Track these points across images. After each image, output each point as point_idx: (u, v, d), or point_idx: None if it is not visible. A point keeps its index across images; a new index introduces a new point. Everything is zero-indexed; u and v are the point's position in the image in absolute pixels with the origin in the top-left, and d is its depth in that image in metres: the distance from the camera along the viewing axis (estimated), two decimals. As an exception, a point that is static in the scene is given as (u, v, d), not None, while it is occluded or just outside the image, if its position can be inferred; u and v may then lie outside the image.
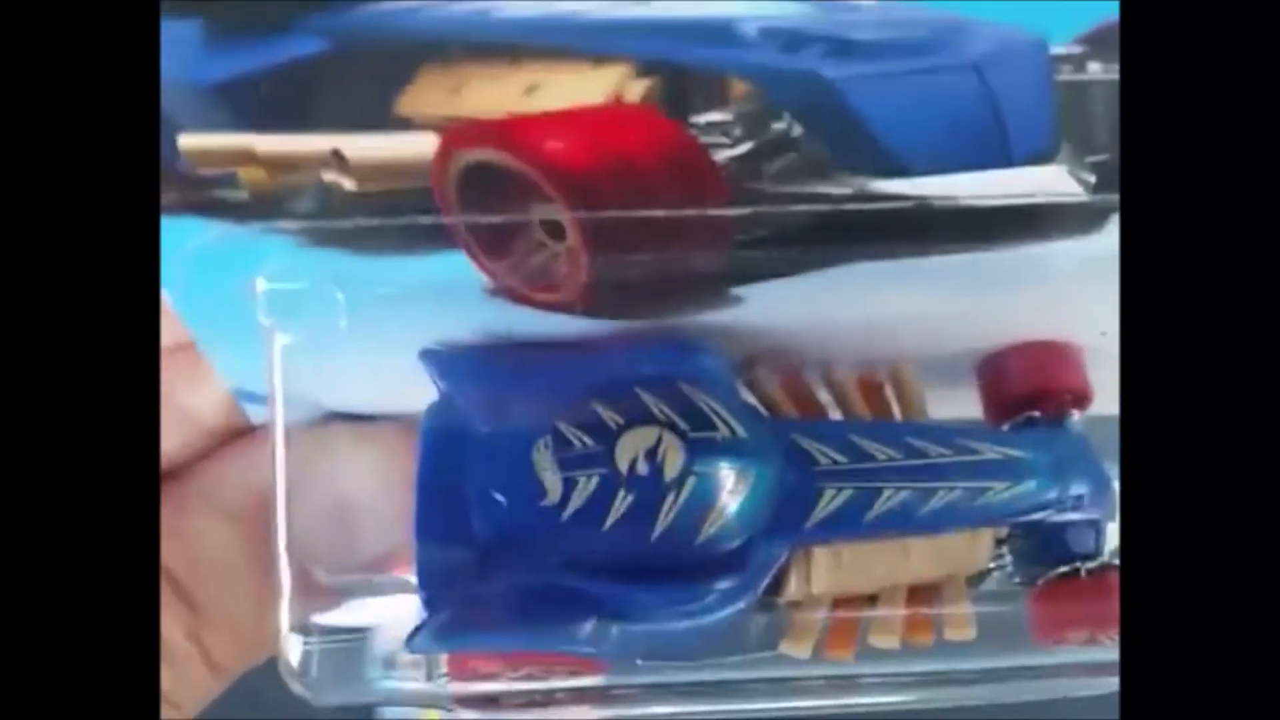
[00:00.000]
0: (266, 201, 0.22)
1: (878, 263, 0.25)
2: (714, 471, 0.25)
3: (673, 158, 0.21)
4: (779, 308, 0.26)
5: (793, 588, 0.26)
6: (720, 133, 0.21)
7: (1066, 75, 0.20)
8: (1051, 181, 0.22)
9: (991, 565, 0.27)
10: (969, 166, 0.21)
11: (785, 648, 0.26)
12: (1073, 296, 0.28)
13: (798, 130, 0.21)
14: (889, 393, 0.29)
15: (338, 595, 0.26)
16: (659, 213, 0.22)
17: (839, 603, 0.26)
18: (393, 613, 0.25)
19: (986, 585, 0.27)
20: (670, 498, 0.24)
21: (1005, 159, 0.22)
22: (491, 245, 0.23)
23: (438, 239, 0.23)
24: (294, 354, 0.24)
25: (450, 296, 0.25)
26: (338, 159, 0.21)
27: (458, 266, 0.24)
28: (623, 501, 0.24)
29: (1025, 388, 0.29)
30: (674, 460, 0.25)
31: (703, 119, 0.20)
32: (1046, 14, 0.19)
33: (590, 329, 0.26)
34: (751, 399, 0.28)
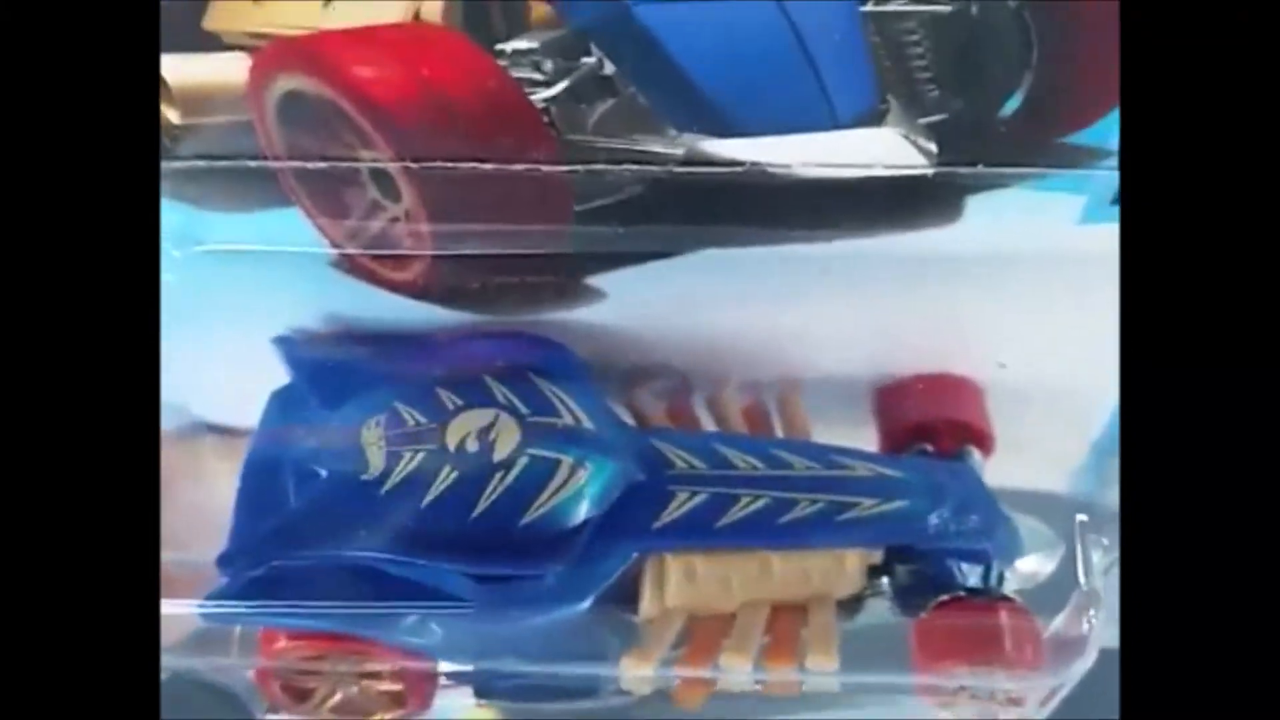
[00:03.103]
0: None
1: (729, 249, 0.24)
2: (548, 455, 0.23)
3: (490, 97, 0.21)
4: (640, 305, 0.26)
5: (646, 602, 0.24)
6: (531, 65, 0.21)
7: (872, 5, 0.20)
8: (887, 148, 0.22)
9: (868, 592, 0.25)
10: (790, 115, 0.21)
11: (627, 665, 0.24)
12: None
13: (609, 68, 0.21)
14: (775, 421, 0.28)
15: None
16: (489, 165, 0.22)
17: (695, 622, 0.24)
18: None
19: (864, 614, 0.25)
20: (498, 476, 0.23)
21: (830, 114, 0.21)
22: (325, 199, 0.23)
23: (272, 193, 0.23)
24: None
25: (294, 269, 0.24)
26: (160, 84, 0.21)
27: (298, 231, 0.24)
28: (446, 477, 0.23)
29: (918, 418, 0.27)
30: (507, 441, 0.24)
31: (509, 46, 0.20)
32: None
33: (449, 321, 0.26)
34: (630, 419, 0.27)
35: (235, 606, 0.22)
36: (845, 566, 0.25)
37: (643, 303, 0.26)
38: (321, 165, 0.22)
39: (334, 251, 0.24)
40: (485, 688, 0.25)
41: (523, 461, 0.23)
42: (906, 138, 0.22)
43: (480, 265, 0.24)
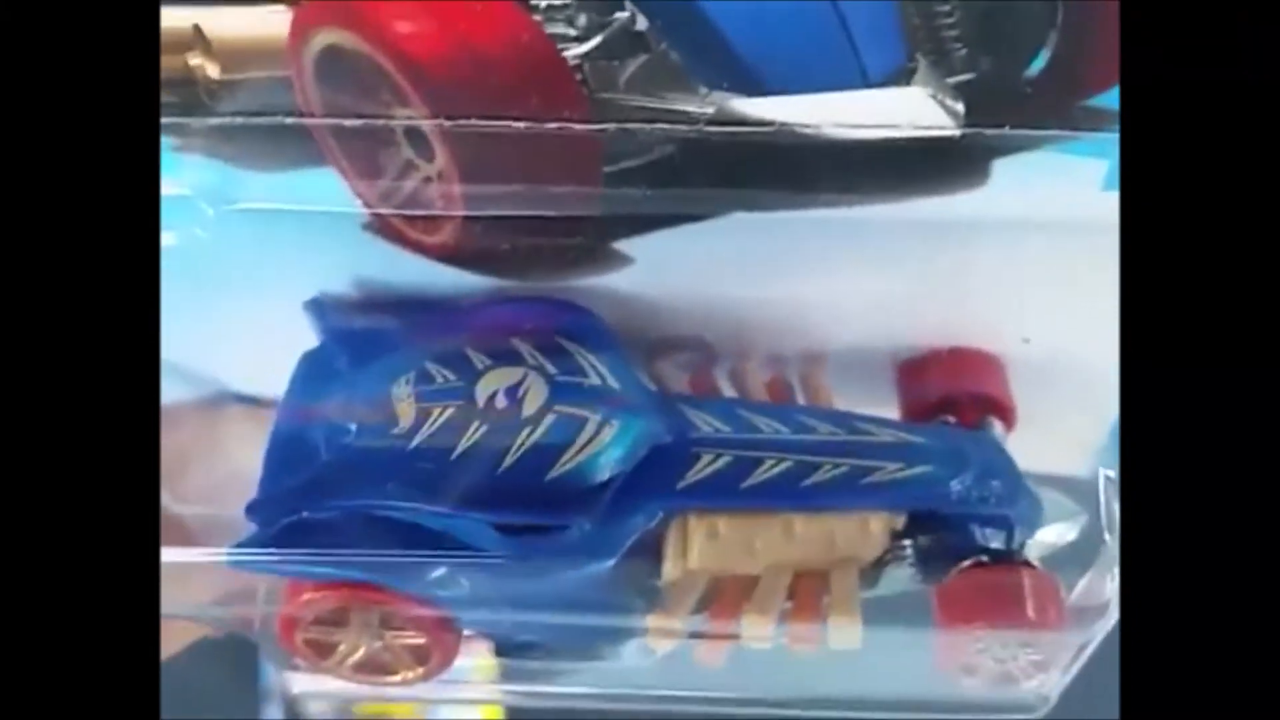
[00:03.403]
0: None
1: (757, 213, 0.24)
2: (575, 412, 0.24)
3: (523, 52, 0.21)
4: (668, 271, 0.26)
5: (669, 564, 0.24)
6: (565, 20, 0.21)
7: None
8: (915, 108, 0.22)
9: (890, 556, 0.25)
10: (820, 73, 0.21)
11: (649, 625, 0.24)
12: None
13: (641, 23, 0.21)
14: (798, 396, 0.28)
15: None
16: (521, 124, 0.22)
17: (718, 584, 0.24)
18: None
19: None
20: (525, 432, 0.23)
21: (860, 72, 0.22)
22: (360, 158, 0.23)
23: (307, 152, 0.23)
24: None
25: (326, 231, 0.25)
26: (199, 38, 0.21)
27: (331, 191, 0.24)
28: (475, 432, 0.23)
29: (941, 392, 0.28)
30: (536, 397, 0.24)
31: (543, 1, 0.21)
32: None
33: (479, 286, 0.26)
34: (652, 386, 0.27)
35: (262, 554, 0.23)
36: (869, 530, 0.25)
37: (670, 269, 0.26)
38: (357, 123, 0.23)
39: (367, 212, 0.24)
40: (505, 643, 0.25)
41: (550, 418, 0.23)
42: (934, 98, 0.22)
43: (510, 227, 0.25)
